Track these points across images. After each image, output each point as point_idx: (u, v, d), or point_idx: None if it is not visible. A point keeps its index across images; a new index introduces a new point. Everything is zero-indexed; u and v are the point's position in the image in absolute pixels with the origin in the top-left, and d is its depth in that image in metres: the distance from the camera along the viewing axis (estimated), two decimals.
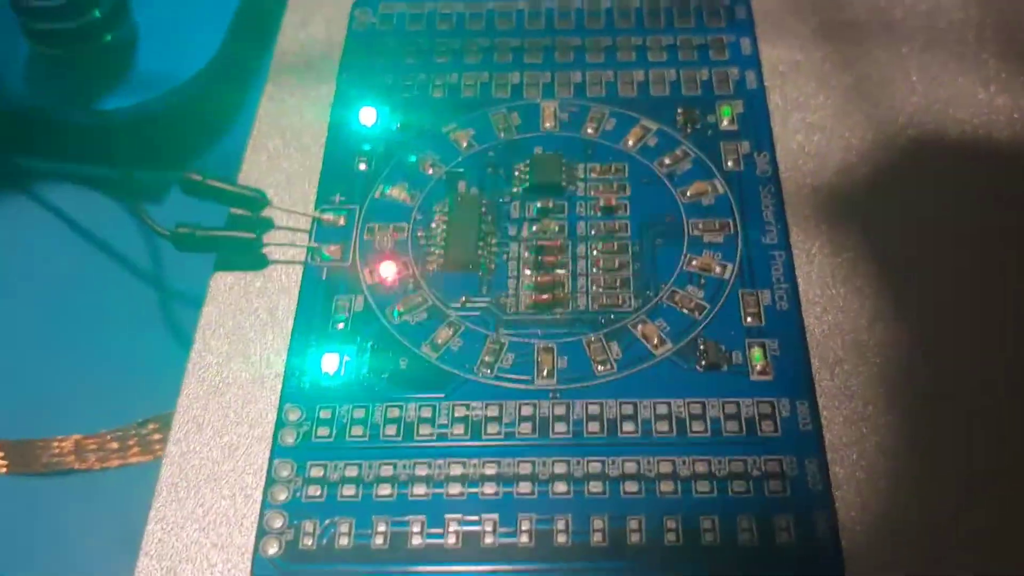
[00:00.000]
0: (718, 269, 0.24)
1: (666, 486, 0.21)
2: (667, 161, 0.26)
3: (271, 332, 0.24)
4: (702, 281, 0.24)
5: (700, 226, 0.25)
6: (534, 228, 0.25)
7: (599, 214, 0.25)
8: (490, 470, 0.22)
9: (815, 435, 0.22)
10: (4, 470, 0.25)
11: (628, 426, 0.22)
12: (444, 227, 0.25)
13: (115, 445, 0.25)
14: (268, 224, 0.26)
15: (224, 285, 0.25)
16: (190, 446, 0.22)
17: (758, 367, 0.23)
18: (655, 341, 0.23)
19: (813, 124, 0.27)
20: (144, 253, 0.28)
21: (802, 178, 0.26)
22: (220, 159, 0.29)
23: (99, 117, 0.30)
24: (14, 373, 0.26)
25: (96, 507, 0.24)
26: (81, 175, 0.30)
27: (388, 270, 0.24)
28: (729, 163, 0.26)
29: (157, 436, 0.25)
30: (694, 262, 0.25)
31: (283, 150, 0.27)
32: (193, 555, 0.21)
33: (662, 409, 0.22)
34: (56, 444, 0.25)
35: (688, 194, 0.26)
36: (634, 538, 0.21)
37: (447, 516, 0.21)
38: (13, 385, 0.26)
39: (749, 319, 0.23)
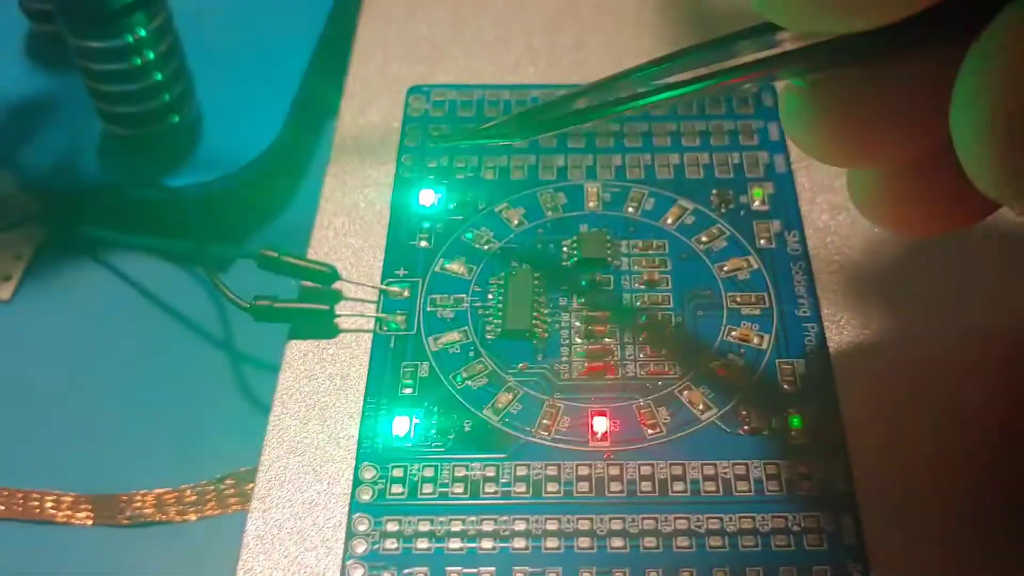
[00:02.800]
0: (756, 340, 0.26)
1: (715, 541, 0.23)
2: (704, 239, 0.29)
3: (345, 397, 0.26)
4: (741, 351, 0.26)
5: (738, 299, 0.27)
6: (582, 300, 0.27)
7: (642, 287, 0.28)
8: (552, 526, 0.23)
9: (849, 493, 0.24)
10: (91, 522, 0.27)
11: (678, 486, 0.24)
12: (501, 298, 0.27)
13: (193, 498, 0.27)
14: (338, 296, 0.28)
15: (299, 352, 0.27)
16: (273, 501, 0.24)
17: (795, 432, 0.25)
18: (700, 407, 0.25)
19: (838, 205, 0.30)
20: (217, 321, 0.30)
21: (829, 255, 0.28)
22: (283, 235, 0.31)
23: (168, 193, 0.32)
24: (100, 433, 0.28)
25: (176, 556, 0.26)
26: (154, 247, 0.32)
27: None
28: (762, 241, 0.29)
29: (232, 491, 0.27)
30: (733, 333, 0.27)
31: (349, 227, 0.29)
32: None
33: (709, 470, 0.24)
34: (139, 498, 0.27)
35: (725, 269, 0.28)
36: None
37: (515, 568, 0.23)
38: (99, 445, 0.28)
39: (786, 387, 0.25)
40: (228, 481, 0.27)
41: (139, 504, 0.27)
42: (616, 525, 0.23)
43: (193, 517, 0.27)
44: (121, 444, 0.28)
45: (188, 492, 0.27)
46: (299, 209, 0.33)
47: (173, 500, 0.27)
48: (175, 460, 0.28)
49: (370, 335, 0.27)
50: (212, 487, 0.27)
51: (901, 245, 0.29)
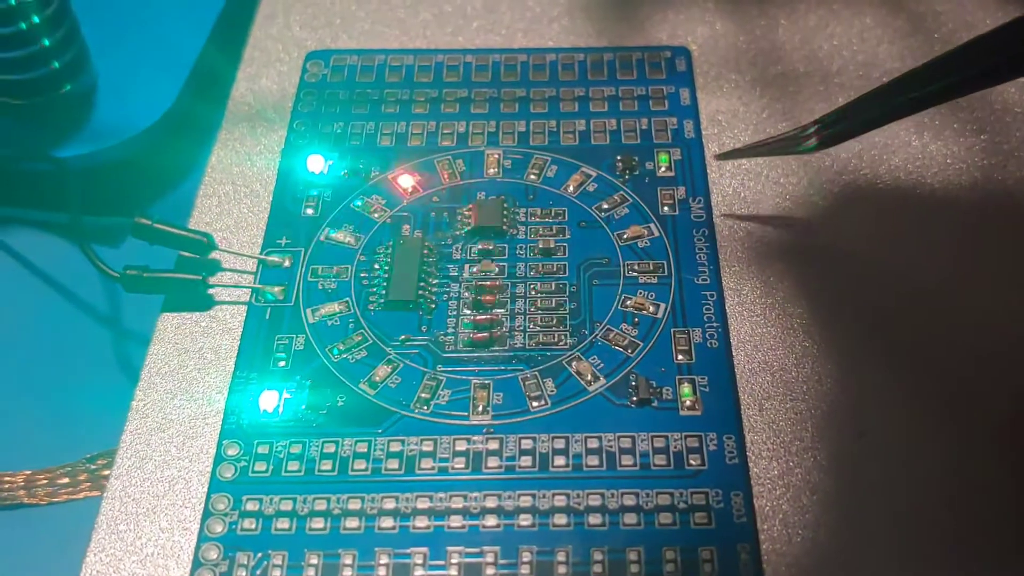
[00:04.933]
0: (652, 308, 0.25)
1: (594, 519, 0.22)
2: (605, 206, 0.27)
3: (214, 370, 0.24)
4: (636, 320, 0.25)
5: (636, 267, 0.26)
6: (474, 269, 0.26)
7: (538, 256, 0.26)
8: (423, 504, 0.22)
9: (741, 469, 0.22)
10: None
11: (559, 460, 0.23)
12: (387, 267, 0.26)
13: (65, 480, 0.26)
14: (215, 266, 0.26)
15: (171, 325, 0.25)
16: (132, 480, 0.23)
17: (687, 402, 0.23)
18: (588, 377, 0.24)
19: (749, 171, 0.28)
20: (95, 294, 0.29)
21: (736, 222, 0.27)
22: (174, 206, 0.30)
23: (55, 164, 0.30)
24: None
25: (42, 542, 0.25)
26: (35, 219, 0.30)
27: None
28: (665, 208, 0.27)
29: (107, 472, 0.25)
30: (628, 302, 0.25)
31: (233, 196, 0.28)
32: None
33: (593, 443, 0.23)
34: (7, 479, 0.26)
35: (625, 237, 0.27)
36: (561, 570, 0.21)
37: (378, 550, 0.21)
38: None
39: (680, 356, 0.24)
40: (100, 461, 0.26)
41: (8, 485, 0.26)
42: (491, 503, 0.22)
43: (64, 498, 0.26)
44: None
45: (60, 473, 0.26)
46: (193, 180, 0.31)
47: (44, 481, 0.26)
48: (46, 438, 0.26)
49: (245, 307, 0.25)
50: (83, 467, 0.26)
51: (811, 213, 0.27)
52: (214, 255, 0.26)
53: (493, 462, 0.23)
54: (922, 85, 0.23)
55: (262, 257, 0.26)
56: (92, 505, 0.24)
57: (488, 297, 0.25)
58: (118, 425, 0.24)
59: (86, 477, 0.26)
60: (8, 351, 0.28)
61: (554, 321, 0.25)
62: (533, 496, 0.22)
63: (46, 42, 0.30)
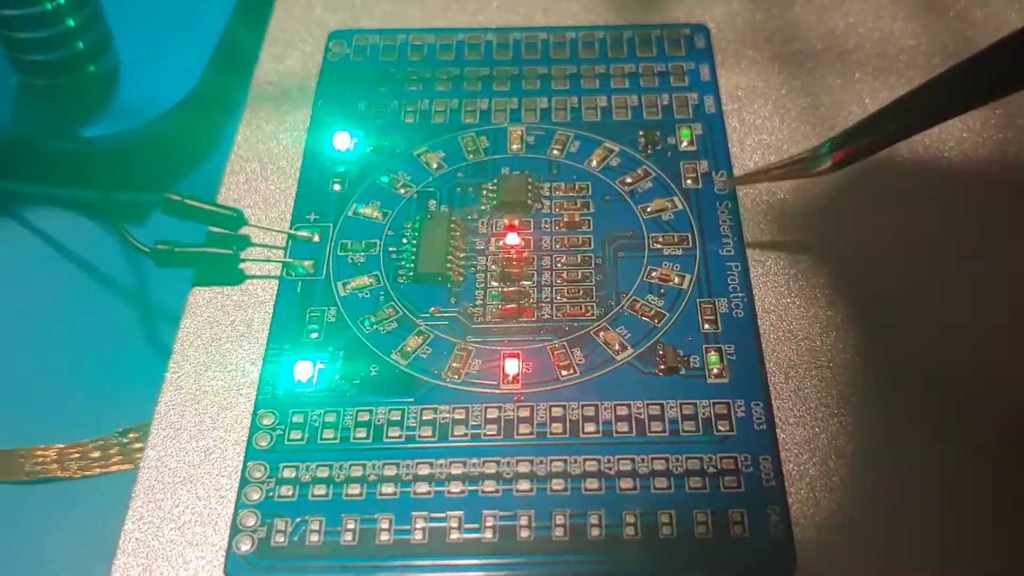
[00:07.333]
0: (677, 279, 0.25)
1: (625, 483, 0.22)
2: (628, 180, 0.28)
3: (247, 343, 0.25)
4: (662, 291, 0.25)
5: (660, 240, 0.26)
6: (500, 243, 0.26)
7: (563, 229, 0.27)
8: (456, 469, 0.22)
9: (769, 434, 0.23)
10: None
11: (589, 427, 0.23)
12: (415, 242, 0.26)
13: (97, 454, 0.26)
14: (245, 241, 0.27)
15: (202, 299, 0.26)
16: (167, 450, 0.23)
17: (714, 370, 0.24)
18: (616, 347, 0.24)
19: (769, 145, 0.29)
20: (125, 270, 0.29)
21: (758, 195, 0.27)
22: (199, 184, 0.30)
23: (82, 144, 0.31)
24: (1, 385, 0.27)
25: (75, 514, 0.25)
26: (64, 198, 0.31)
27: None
28: (688, 181, 0.27)
29: (138, 445, 0.26)
30: (654, 273, 0.26)
31: (260, 172, 0.28)
32: (168, 553, 0.22)
33: (622, 410, 0.23)
34: (39, 453, 0.26)
35: (649, 210, 0.27)
36: (594, 532, 0.21)
37: (414, 514, 0.22)
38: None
39: (706, 326, 0.24)
40: (132, 434, 0.26)
41: (40, 459, 0.26)
42: (523, 468, 0.22)
43: (96, 472, 0.26)
44: (22, 397, 0.27)
45: (91, 447, 0.26)
46: (217, 159, 0.32)
47: (76, 455, 0.26)
48: (78, 413, 0.27)
49: (276, 281, 0.26)
50: (115, 441, 0.26)
51: (831, 186, 0.28)
52: (244, 230, 0.27)
53: (524, 429, 0.23)
54: (942, 93, 0.22)
55: (293, 232, 0.27)
56: (126, 478, 0.25)
57: (515, 270, 0.26)
58: (150, 399, 0.25)
59: (118, 451, 0.26)
60: (40, 327, 0.28)
61: (580, 293, 0.25)
62: (565, 461, 0.22)
63: (71, 22, 0.31)
